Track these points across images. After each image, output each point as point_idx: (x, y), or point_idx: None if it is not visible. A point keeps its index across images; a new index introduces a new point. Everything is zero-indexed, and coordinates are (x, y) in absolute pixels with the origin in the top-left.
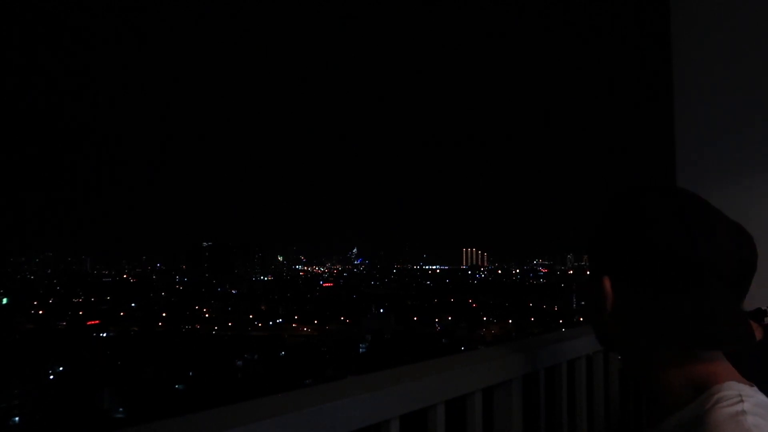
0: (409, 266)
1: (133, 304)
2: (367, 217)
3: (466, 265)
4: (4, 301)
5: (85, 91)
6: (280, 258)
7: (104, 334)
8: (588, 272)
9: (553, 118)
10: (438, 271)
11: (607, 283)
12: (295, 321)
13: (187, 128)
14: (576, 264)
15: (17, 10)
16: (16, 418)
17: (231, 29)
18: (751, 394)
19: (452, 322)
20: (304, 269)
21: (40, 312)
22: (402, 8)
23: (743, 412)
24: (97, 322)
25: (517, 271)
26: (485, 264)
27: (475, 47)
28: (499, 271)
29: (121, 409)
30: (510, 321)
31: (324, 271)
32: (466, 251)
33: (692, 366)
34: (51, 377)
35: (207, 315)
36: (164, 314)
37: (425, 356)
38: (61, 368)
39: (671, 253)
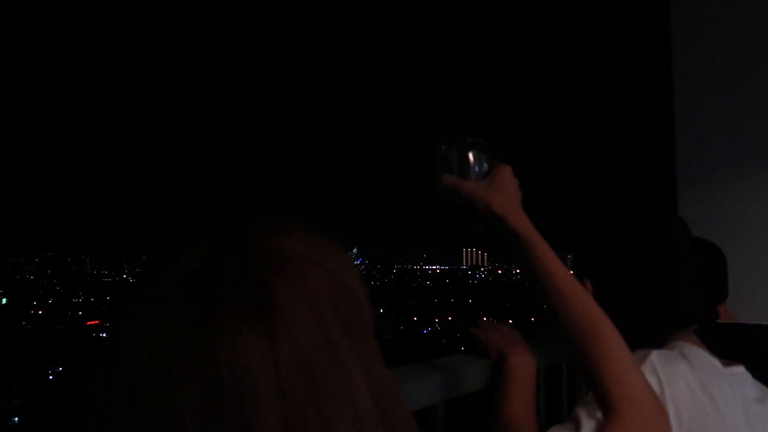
0: (409, 266)
1: None
2: (367, 217)
3: (466, 265)
4: (4, 301)
5: (85, 91)
6: None
7: (104, 334)
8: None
9: (553, 117)
10: (438, 271)
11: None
12: None
13: (187, 129)
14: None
15: (18, 10)
16: (16, 419)
17: (231, 29)
18: (694, 353)
19: (452, 322)
20: None
21: (40, 312)
22: (402, 11)
23: (651, 352)
24: (96, 322)
25: (518, 271)
26: (485, 264)
27: (475, 45)
28: (499, 271)
29: None
30: (510, 321)
31: None
32: (466, 251)
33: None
34: (51, 377)
35: None
36: None
37: (425, 356)
38: (60, 368)
39: (629, 261)
